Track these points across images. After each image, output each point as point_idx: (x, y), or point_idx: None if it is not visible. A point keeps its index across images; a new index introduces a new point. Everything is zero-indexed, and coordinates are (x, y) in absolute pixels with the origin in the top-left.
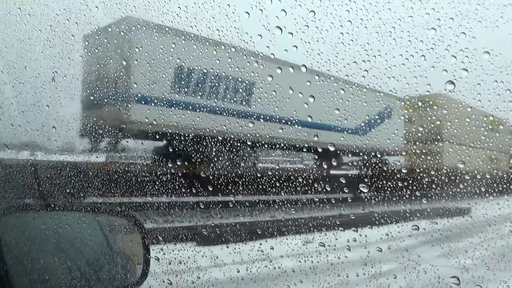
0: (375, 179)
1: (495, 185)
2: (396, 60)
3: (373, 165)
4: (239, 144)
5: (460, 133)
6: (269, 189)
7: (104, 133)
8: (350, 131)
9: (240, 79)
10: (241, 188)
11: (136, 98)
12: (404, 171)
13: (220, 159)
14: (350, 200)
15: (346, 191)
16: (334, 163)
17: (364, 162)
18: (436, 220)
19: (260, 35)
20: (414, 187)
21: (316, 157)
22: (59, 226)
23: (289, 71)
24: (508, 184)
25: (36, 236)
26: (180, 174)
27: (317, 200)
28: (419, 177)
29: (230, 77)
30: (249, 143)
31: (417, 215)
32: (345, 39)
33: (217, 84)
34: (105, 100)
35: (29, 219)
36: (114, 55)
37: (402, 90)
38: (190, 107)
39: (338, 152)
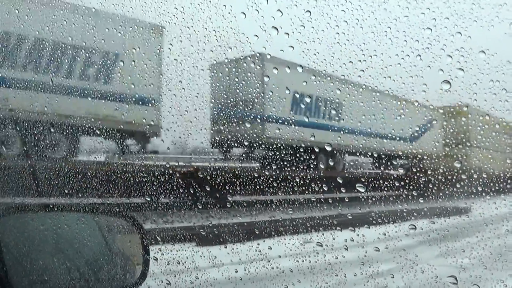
0: (424, 179)
1: (491, 184)
2: (392, 60)
3: (421, 166)
4: (335, 152)
5: (484, 139)
6: (268, 189)
7: (237, 145)
8: (403, 139)
9: (331, 100)
10: (239, 189)
11: (269, 118)
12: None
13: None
14: (347, 200)
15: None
16: (392, 165)
17: (414, 164)
18: (434, 219)
19: (257, 36)
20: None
21: (377, 160)
22: (58, 226)
23: (375, 95)
24: (505, 184)
25: (35, 236)
26: (178, 175)
27: (314, 199)
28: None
29: (329, 99)
30: (339, 151)
31: (414, 214)
32: (341, 39)
33: (319, 105)
34: (237, 119)
35: (28, 219)
36: (247, 83)
37: (398, 89)
38: (307, 125)
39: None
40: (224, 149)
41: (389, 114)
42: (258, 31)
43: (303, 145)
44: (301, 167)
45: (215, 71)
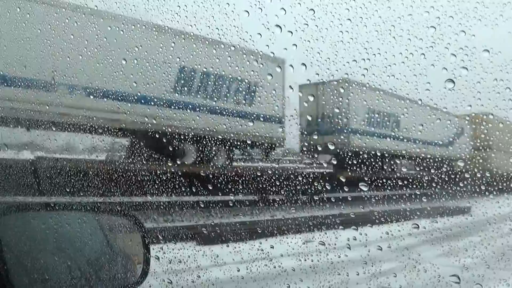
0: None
1: (495, 183)
2: (395, 59)
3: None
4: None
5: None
6: (270, 188)
7: (325, 151)
8: (440, 145)
9: (389, 113)
10: (241, 187)
11: (354, 131)
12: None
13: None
14: (350, 199)
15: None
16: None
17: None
18: (436, 218)
19: (260, 34)
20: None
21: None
22: (59, 225)
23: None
24: (508, 183)
25: (36, 235)
26: (180, 174)
27: (317, 198)
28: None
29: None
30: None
31: (417, 213)
32: (345, 38)
33: (385, 119)
34: (327, 131)
35: (29, 218)
36: (335, 103)
37: (402, 88)
38: (377, 136)
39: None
40: (312, 155)
41: (434, 124)
42: (262, 30)
43: (374, 152)
44: (374, 170)
45: (304, 90)
